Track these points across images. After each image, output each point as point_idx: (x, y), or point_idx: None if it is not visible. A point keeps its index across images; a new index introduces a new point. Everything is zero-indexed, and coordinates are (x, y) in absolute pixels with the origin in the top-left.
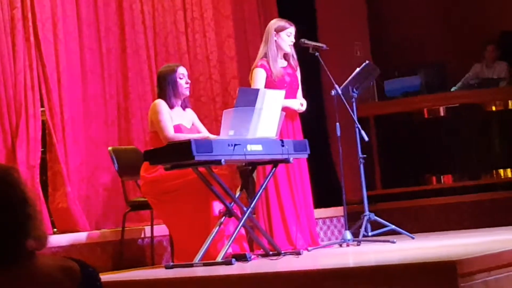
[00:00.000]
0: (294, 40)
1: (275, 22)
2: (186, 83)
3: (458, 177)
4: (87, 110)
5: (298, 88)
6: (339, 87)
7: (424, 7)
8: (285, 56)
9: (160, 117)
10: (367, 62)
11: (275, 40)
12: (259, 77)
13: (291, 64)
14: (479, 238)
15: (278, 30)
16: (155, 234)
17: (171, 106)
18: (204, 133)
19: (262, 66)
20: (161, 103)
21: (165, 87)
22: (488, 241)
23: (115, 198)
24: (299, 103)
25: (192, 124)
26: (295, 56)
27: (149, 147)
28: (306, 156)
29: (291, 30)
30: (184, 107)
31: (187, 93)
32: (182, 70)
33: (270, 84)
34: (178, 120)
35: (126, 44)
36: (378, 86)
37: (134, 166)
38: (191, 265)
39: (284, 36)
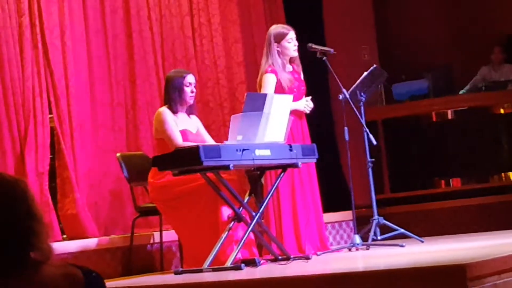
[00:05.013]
0: (297, 43)
1: (272, 31)
2: (192, 92)
3: (467, 180)
4: (95, 117)
5: (304, 90)
6: (347, 91)
7: (431, 10)
8: (290, 60)
9: (166, 126)
10: (374, 66)
11: (278, 51)
12: (270, 82)
13: (295, 68)
14: (488, 241)
15: (278, 40)
16: (164, 239)
17: (175, 111)
18: (210, 142)
19: (272, 71)
20: (165, 112)
21: (171, 92)
22: (497, 244)
23: (124, 204)
24: (304, 103)
25: (197, 130)
26: (298, 60)
27: (155, 154)
28: (314, 160)
29: (291, 35)
30: (189, 113)
31: (191, 102)
32: (190, 79)
33: (280, 90)
34: (183, 125)
35: (134, 51)
36: (386, 90)
37: (143, 172)
38: (201, 271)
39: (285, 44)
